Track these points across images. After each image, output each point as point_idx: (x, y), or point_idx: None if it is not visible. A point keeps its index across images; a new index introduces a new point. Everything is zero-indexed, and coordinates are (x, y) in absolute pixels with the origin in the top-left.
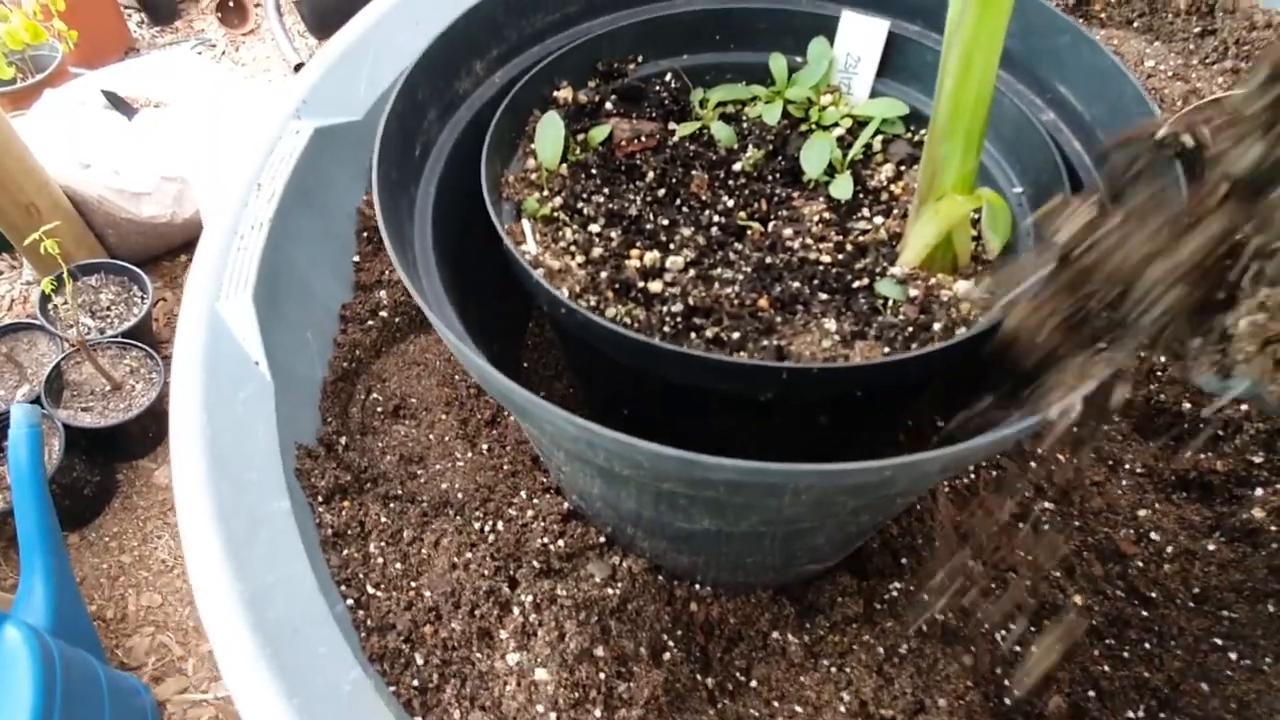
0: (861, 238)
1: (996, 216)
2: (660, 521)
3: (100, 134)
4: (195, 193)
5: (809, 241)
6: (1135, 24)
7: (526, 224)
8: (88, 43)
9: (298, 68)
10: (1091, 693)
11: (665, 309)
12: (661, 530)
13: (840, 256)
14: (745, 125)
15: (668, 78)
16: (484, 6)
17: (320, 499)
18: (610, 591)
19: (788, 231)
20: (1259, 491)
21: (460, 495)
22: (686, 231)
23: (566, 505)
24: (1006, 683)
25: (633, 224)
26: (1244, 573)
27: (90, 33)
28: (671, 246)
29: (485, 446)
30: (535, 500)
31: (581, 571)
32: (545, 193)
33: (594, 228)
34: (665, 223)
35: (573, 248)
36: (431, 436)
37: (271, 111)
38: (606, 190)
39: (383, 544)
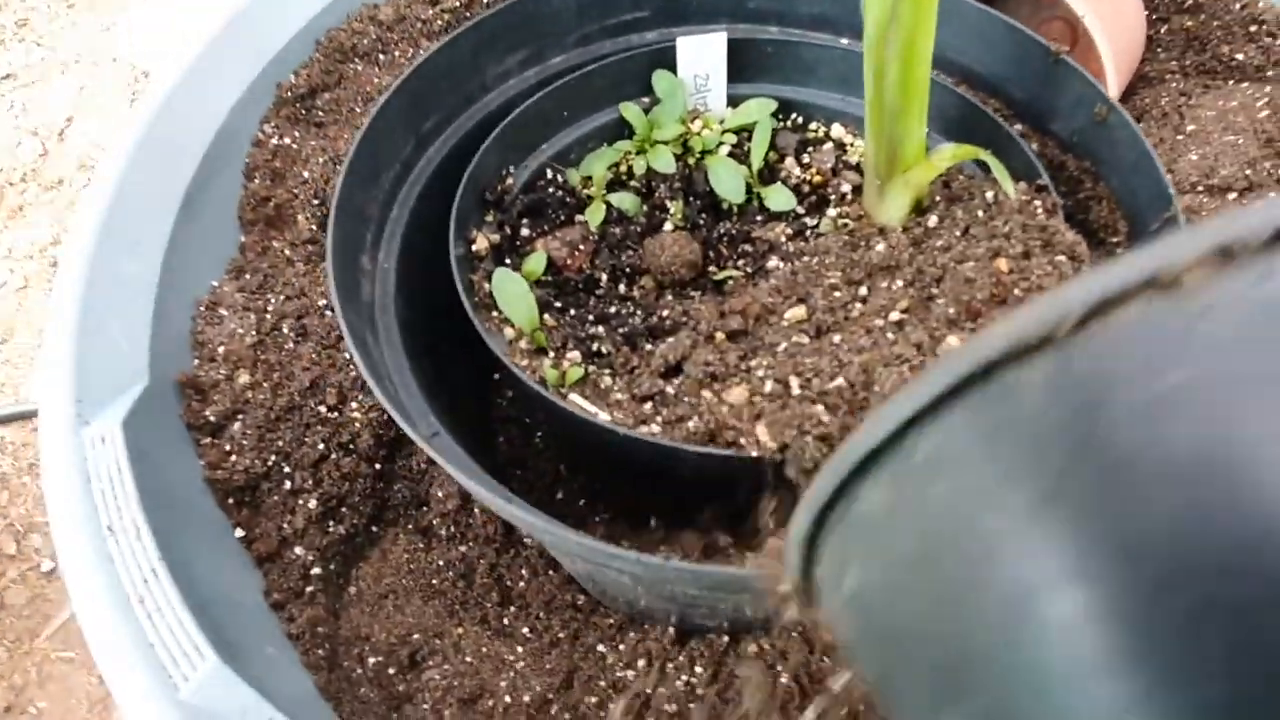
0: (839, 236)
1: (998, 167)
2: None
3: None
4: None
5: (806, 261)
6: None
7: (576, 397)
8: None
9: None
10: None
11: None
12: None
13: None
14: (639, 184)
15: (547, 174)
16: (344, 207)
17: None
18: None
19: (773, 263)
20: None
21: (554, 694)
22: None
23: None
24: None
25: (648, 335)
26: None
27: None
28: (706, 341)
29: (525, 630)
30: (619, 644)
31: None
32: (551, 356)
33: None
34: (664, 314)
35: (615, 389)
36: (469, 660)
37: (44, 433)
38: (591, 316)
39: None
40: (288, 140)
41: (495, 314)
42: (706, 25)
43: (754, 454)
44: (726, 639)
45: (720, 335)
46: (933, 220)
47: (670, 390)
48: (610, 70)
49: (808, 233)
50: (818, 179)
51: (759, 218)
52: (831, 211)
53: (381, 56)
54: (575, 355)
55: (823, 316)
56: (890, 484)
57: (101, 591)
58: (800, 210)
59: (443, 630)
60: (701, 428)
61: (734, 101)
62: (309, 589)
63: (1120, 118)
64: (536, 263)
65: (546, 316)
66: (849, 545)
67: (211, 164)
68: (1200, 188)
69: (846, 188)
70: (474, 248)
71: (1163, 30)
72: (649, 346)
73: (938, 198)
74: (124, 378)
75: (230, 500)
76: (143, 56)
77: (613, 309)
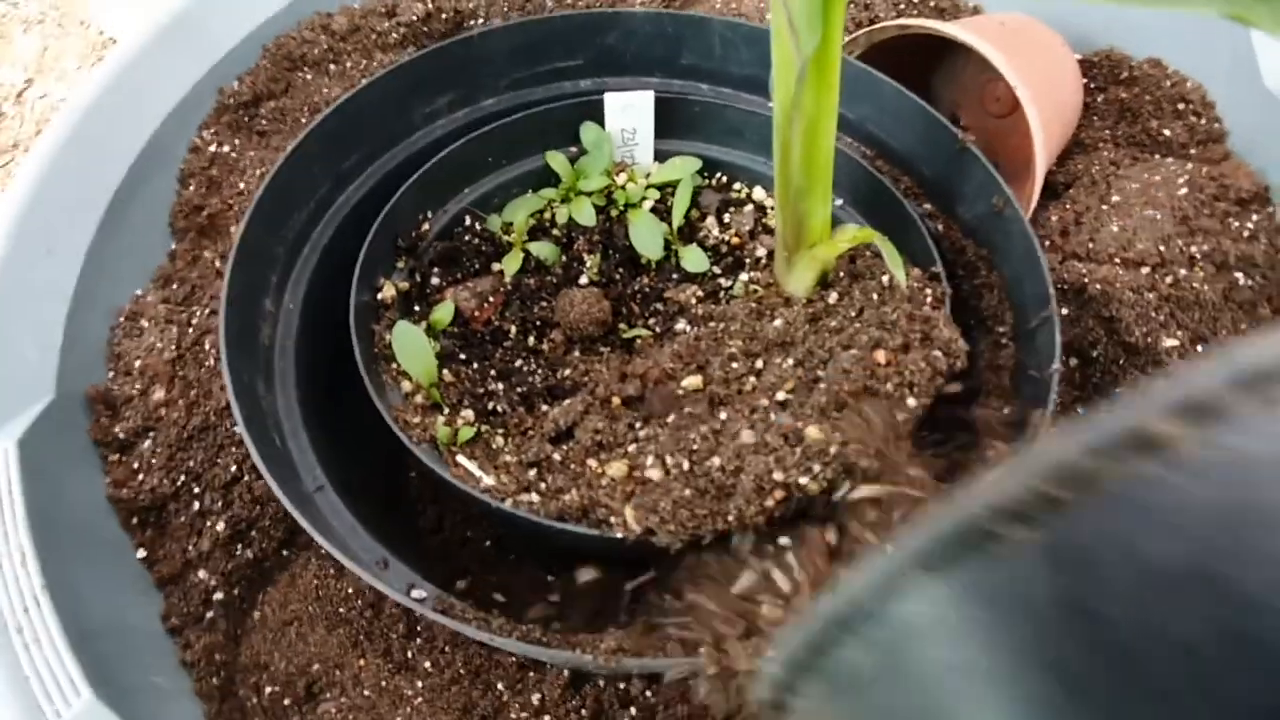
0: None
1: (891, 252)
2: None
3: None
4: None
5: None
6: None
7: (462, 459)
8: None
9: None
10: None
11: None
12: None
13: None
14: (560, 234)
15: (466, 220)
16: (245, 243)
17: None
18: None
19: (680, 325)
20: None
21: None
22: (597, 368)
23: (564, 673)
24: None
25: (547, 395)
26: None
27: None
28: (599, 405)
29: (427, 664)
30: (522, 688)
31: None
32: (446, 412)
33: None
34: (566, 373)
35: (506, 450)
36: (368, 693)
37: None
38: (494, 371)
39: None
40: (226, 148)
41: (394, 365)
42: (640, 77)
43: (620, 534)
44: (613, 686)
45: (616, 400)
46: (833, 296)
47: (557, 457)
48: (538, 119)
49: (721, 293)
50: (735, 240)
51: (674, 275)
52: (744, 275)
53: (332, 67)
54: (469, 414)
55: (717, 388)
56: (866, 646)
57: None
58: (716, 270)
59: (344, 661)
60: (576, 502)
61: (661, 156)
62: (209, 614)
63: (1015, 212)
64: (444, 312)
65: (446, 371)
66: (828, 696)
67: (144, 168)
68: (1117, 260)
69: (762, 252)
70: (380, 295)
71: (1099, 99)
72: (545, 408)
73: (842, 272)
74: (28, 392)
75: (134, 520)
76: (112, 22)
77: (517, 363)
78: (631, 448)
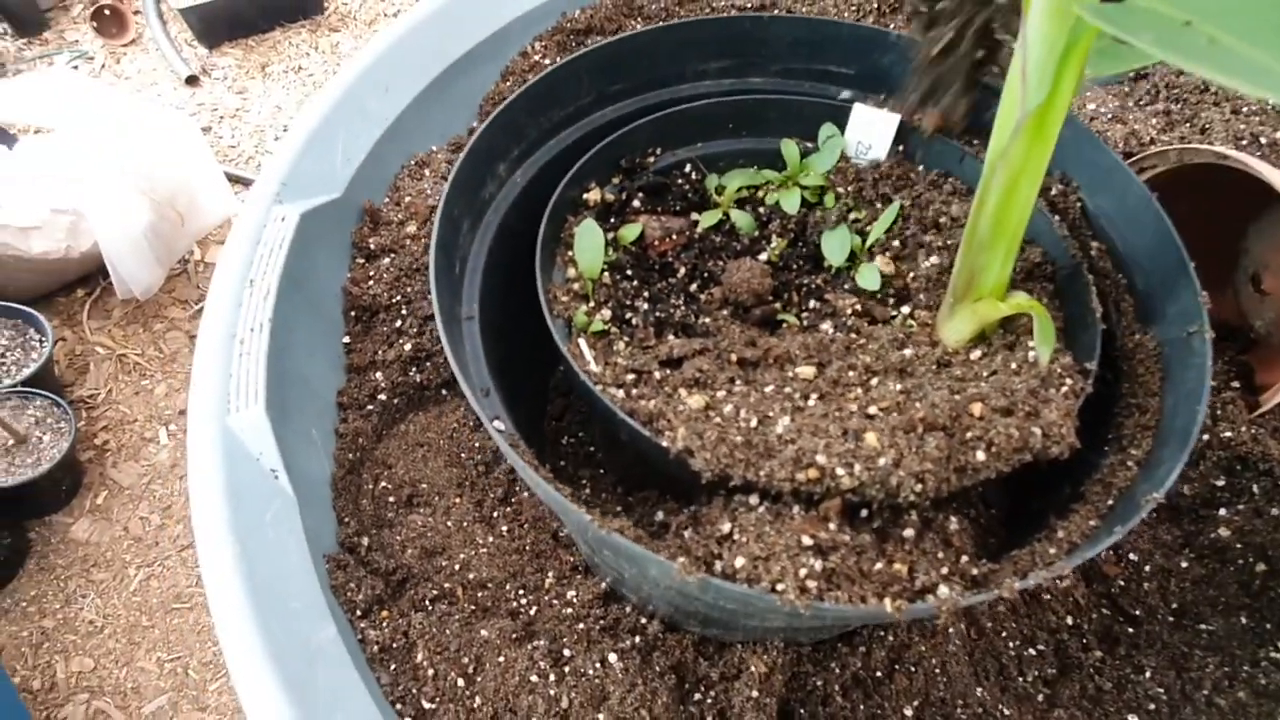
0: (896, 330)
1: (1045, 328)
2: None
3: None
4: (91, 224)
5: (852, 336)
6: None
7: (582, 342)
8: None
9: (190, 80)
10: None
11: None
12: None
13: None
14: (763, 212)
15: (686, 168)
16: (507, 112)
17: (359, 614)
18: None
19: (825, 326)
20: (1223, 511)
21: (491, 586)
22: (734, 329)
23: (603, 585)
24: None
25: (680, 330)
26: (1216, 588)
27: None
28: (716, 355)
29: (505, 528)
30: (565, 583)
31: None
32: (591, 304)
33: (645, 341)
34: (705, 320)
35: (621, 354)
36: (449, 523)
37: (251, 197)
38: (647, 293)
39: (430, 653)
40: (547, 61)
41: (570, 252)
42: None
43: (665, 444)
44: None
45: (734, 358)
46: (976, 353)
47: (658, 375)
48: (786, 105)
49: (878, 314)
50: (909, 278)
51: (846, 285)
52: (905, 308)
53: (660, 23)
54: (607, 313)
55: (823, 385)
56: None
57: (219, 325)
58: (887, 293)
59: (445, 492)
60: (649, 409)
61: None
62: (370, 407)
63: (1203, 345)
64: (631, 231)
65: (607, 275)
66: None
67: (481, 54)
68: None
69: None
70: (585, 195)
71: None
72: (672, 338)
73: (999, 337)
74: (325, 184)
75: (352, 313)
76: None
77: (670, 296)
78: (720, 393)
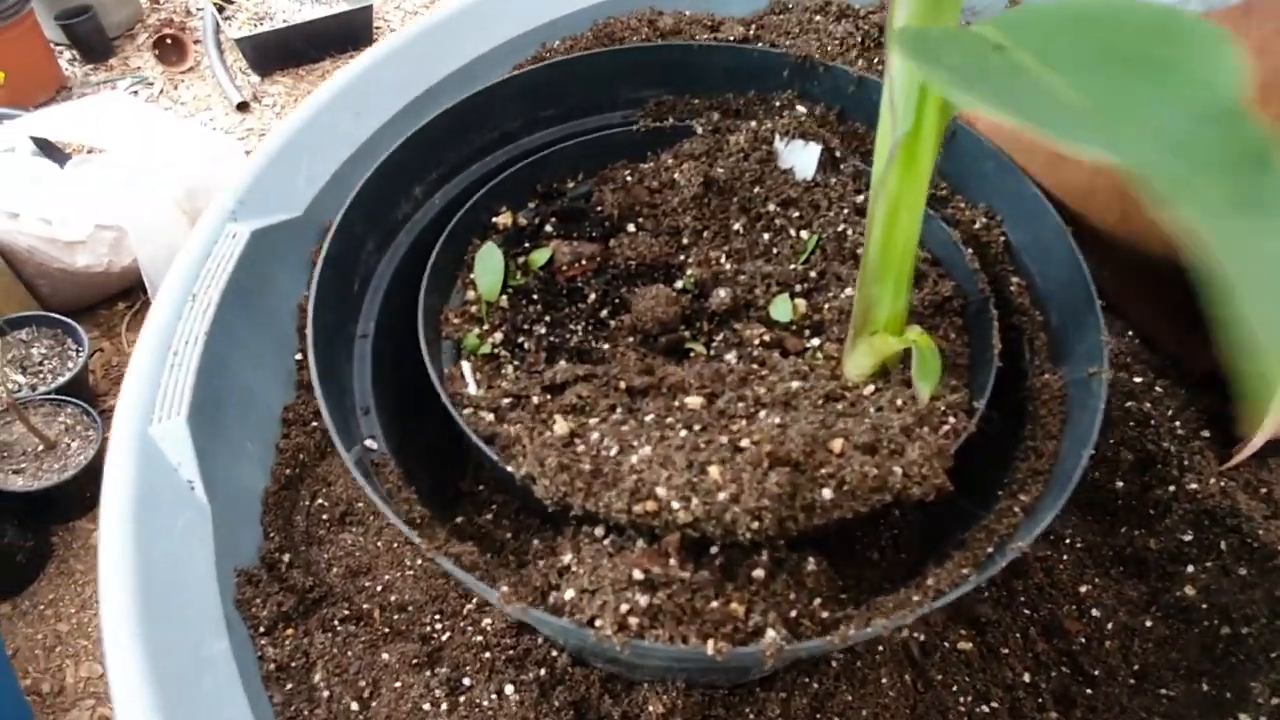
0: (801, 363)
1: (926, 363)
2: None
3: (29, 182)
4: (132, 241)
5: (754, 367)
6: None
7: (466, 365)
8: (16, 82)
9: (240, 106)
10: None
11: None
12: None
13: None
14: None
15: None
16: (426, 131)
17: (262, 630)
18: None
19: (730, 356)
20: (1190, 568)
21: (410, 609)
22: (630, 357)
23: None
24: None
25: (575, 355)
26: (1179, 651)
27: (19, 72)
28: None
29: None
30: (485, 611)
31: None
32: (485, 327)
33: (534, 365)
34: (604, 346)
35: (506, 379)
36: (380, 543)
37: (207, 215)
38: (549, 318)
39: (328, 674)
40: None
41: (471, 275)
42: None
43: (511, 469)
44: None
45: (621, 385)
46: (870, 389)
47: (536, 400)
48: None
49: (788, 345)
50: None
51: (759, 316)
52: (815, 341)
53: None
54: (499, 337)
55: (707, 416)
56: None
57: (155, 337)
58: (802, 326)
59: (380, 511)
60: (509, 434)
61: None
62: (314, 423)
63: (1100, 388)
64: (541, 256)
65: (504, 298)
66: None
67: (453, 84)
68: None
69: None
70: (495, 219)
71: None
72: (563, 363)
73: (902, 366)
74: (284, 204)
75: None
76: None
77: (571, 322)
78: (594, 420)
